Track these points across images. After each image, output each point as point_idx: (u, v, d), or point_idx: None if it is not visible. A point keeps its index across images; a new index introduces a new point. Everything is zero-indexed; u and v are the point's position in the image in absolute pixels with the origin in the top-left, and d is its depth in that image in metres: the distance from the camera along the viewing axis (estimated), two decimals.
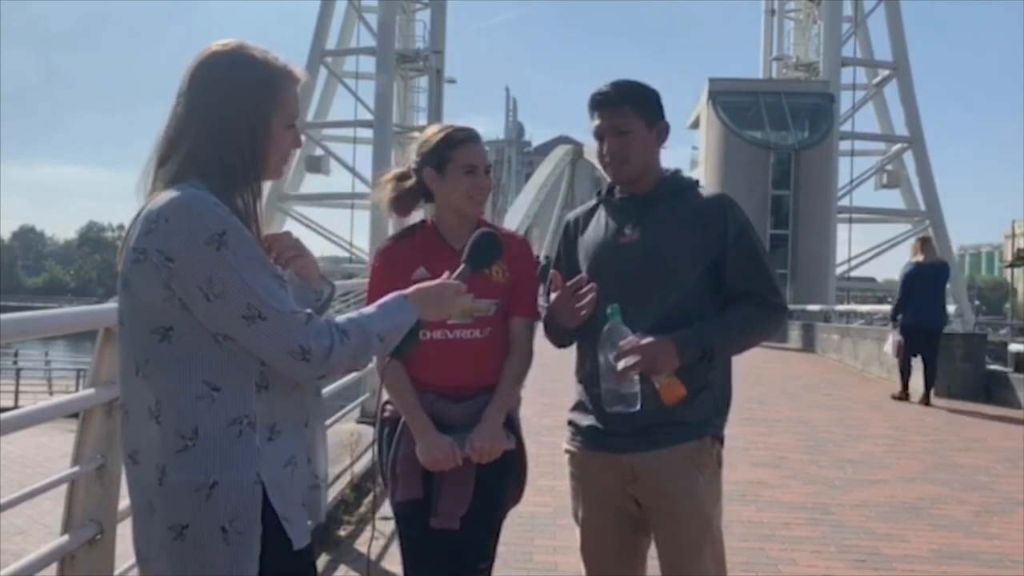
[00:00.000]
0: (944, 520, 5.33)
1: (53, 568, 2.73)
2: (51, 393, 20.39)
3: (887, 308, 12.90)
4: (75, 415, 2.88)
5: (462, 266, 2.13)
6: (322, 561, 4.21)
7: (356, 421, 6.75)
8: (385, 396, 2.60)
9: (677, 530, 2.49)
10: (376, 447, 2.58)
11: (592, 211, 2.65)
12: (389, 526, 2.69)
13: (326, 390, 5.04)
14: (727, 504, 2.64)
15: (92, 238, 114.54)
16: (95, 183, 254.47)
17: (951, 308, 24.07)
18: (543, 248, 39.86)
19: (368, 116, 44.95)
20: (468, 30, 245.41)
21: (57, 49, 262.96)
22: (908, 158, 44.15)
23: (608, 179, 2.62)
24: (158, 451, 1.73)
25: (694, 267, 2.46)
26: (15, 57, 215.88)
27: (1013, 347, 18.27)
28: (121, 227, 1.89)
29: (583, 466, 2.59)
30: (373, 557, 3.75)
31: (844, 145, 43.33)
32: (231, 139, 1.78)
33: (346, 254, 46.09)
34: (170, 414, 1.72)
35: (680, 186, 2.58)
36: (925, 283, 10.19)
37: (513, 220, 45.98)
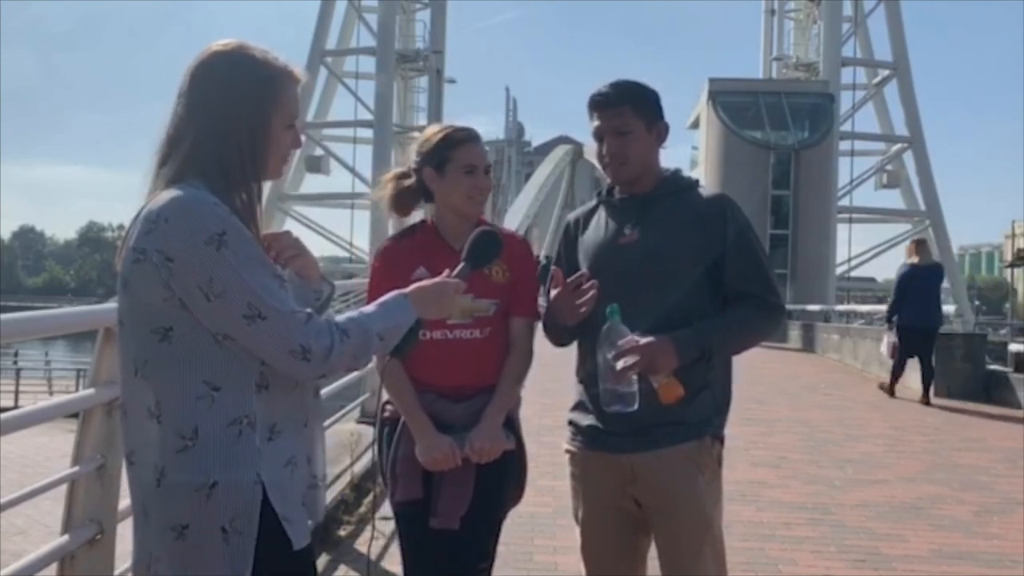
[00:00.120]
0: (944, 520, 5.33)
1: (53, 568, 2.73)
2: (51, 393, 20.39)
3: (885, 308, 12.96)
4: (75, 415, 2.88)
5: (461, 264, 2.13)
6: (322, 561, 4.21)
7: (356, 421, 6.74)
8: (385, 396, 2.60)
9: (677, 530, 2.49)
10: (376, 447, 2.58)
11: (592, 211, 2.65)
12: (389, 526, 2.69)
13: (326, 390, 5.08)
14: (727, 504, 2.64)
15: (92, 238, 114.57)
16: (95, 183, 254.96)
17: (950, 308, 24.13)
18: (543, 248, 39.87)
19: (368, 116, 44.97)
20: (468, 30, 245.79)
21: (57, 49, 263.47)
22: (908, 158, 44.16)
23: (608, 179, 2.62)
24: (157, 451, 1.73)
25: (694, 267, 2.46)
26: (15, 57, 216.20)
27: (1013, 347, 18.27)
28: (121, 227, 1.89)
29: (583, 466, 2.59)
30: (373, 557, 3.75)
31: (844, 145, 43.34)
32: (231, 139, 1.78)
33: (346, 254, 46.11)
34: (170, 414, 1.72)
35: (680, 186, 2.58)
36: (920, 284, 10.33)
37: (513, 220, 45.96)
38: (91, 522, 2.78)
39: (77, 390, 12.17)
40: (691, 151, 46.37)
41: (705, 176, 35.70)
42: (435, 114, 45.32)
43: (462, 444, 2.48)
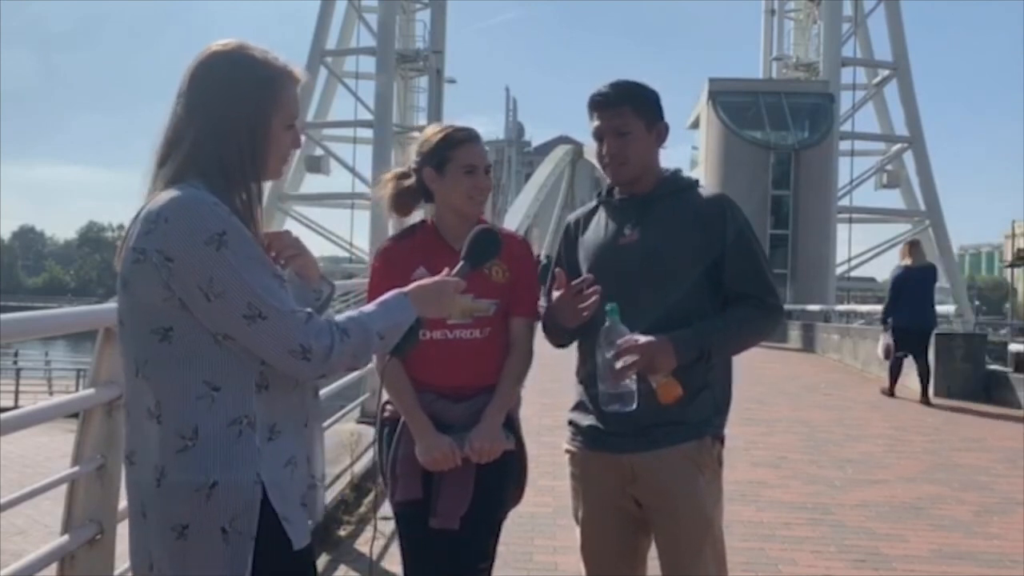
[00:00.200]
0: (944, 520, 5.33)
1: (53, 568, 2.73)
2: (51, 393, 20.40)
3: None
4: (75, 415, 2.88)
5: (461, 263, 2.13)
6: (322, 561, 4.21)
7: (356, 421, 6.74)
8: (385, 396, 2.60)
9: (677, 530, 2.49)
10: (376, 447, 2.58)
11: (592, 212, 2.66)
12: (389, 526, 2.69)
13: (326, 390, 5.08)
14: (727, 504, 2.64)
15: (92, 238, 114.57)
16: (95, 183, 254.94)
17: (950, 308, 24.13)
18: (543, 248, 39.85)
19: (368, 116, 44.95)
20: (468, 30, 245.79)
21: (57, 49, 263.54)
22: (908, 158, 44.15)
23: (608, 180, 2.62)
24: (157, 451, 1.73)
25: (693, 267, 2.46)
26: (15, 57, 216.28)
27: (1013, 347, 18.27)
28: (121, 227, 1.89)
29: (583, 466, 2.59)
30: (374, 557, 3.75)
31: (844, 145, 43.33)
32: (231, 139, 1.78)
33: (346, 254, 46.09)
34: (170, 414, 1.72)
35: (679, 186, 2.58)
36: (914, 286, 10.46)
37: (513, 220, 45.96)
38: (91, 522, 2.78)
39: (77, 390, 12.17)
40: (691, 151, 46.42)
41: (705, 176, 35.70)
42: (435, 114, 45.30)
43: (462, 444, 2.48)
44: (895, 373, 10.65)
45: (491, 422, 2.51)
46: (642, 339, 2.30)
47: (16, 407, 6.28)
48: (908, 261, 10.54)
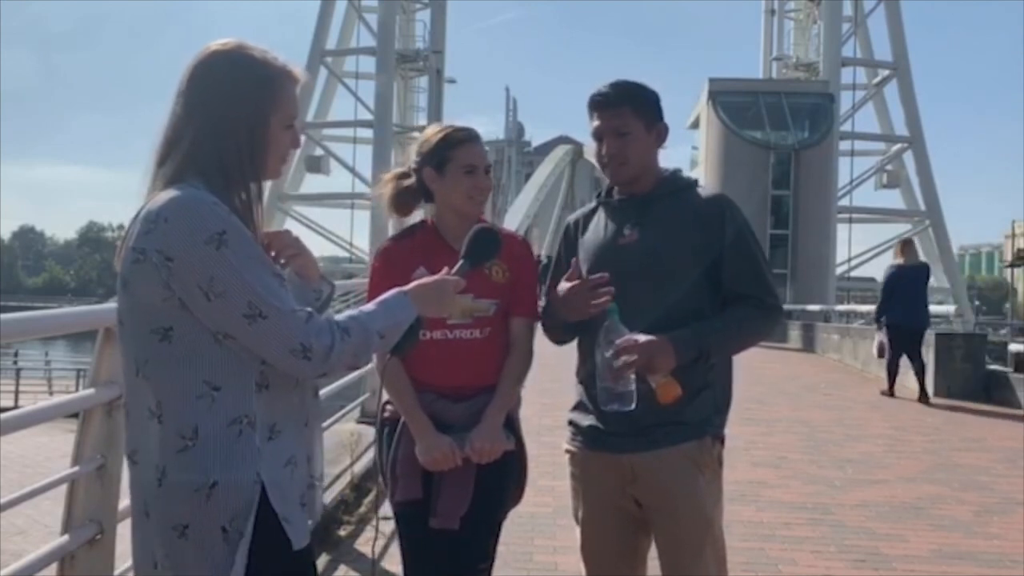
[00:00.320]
0: (944, 520, 5.33)
1: (53, 568, 2.73)
2: (51, 393, 20.40)
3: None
4: (75, 415, 2.88)
5: (460, 261, 2.13)
6: (322, 561, 4.21)
7: (356, 421, 6.74)
8: (385, 396, 2.60)
9: (678, 530, 2.49)
10: (376, 447, 2.57)
11: (592, 213, 2.66)
12: (389, 526, 2.69)
13: (326, 390, 5.07)
14: (727, 504, 2.64)
15: (92, 238, 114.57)
16: (95, 183, 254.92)
17: (951, 309, 24.12)
18: (543, 248, 39.84)
19: (368, 116, 44.96)
20: (468, 30, 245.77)
21: (57, 49, 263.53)
22: (908, 158, 44.15)
23: (607, 180, 2.62)
24: (158, 451, 1.73)
25: (693, 267, 2.46)
26: (15, 57, 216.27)
27: (1013, 347, 18.30)
28: (121, 227, 1.89)
29: (583, 466, 2.59)
30: (374, 557, 3.74)
31: (844, 145, 43.34)
32: (230, 138, 1.78)
33: (346, 254, 46.11)
34: (170, 414, 1.72)
35: (678, 186, 2.58)
36: (907, 285, 10.53)
37: (513, 220, 45.94)
38: (91, 522, 2.78)
39: (77, 390, 12.17)
40: (691, 151, 46.43)
41: (705, 176, 35.72)
42: (435, 114, 45.29)
43: (462, 444, 2.48)
44: (893, 373, 10.71)
45: (492, 422, 2.51)
46: (641, 338, 2.30)
47: (16, 407, 6.28)
48: (901, 260, 10.65)
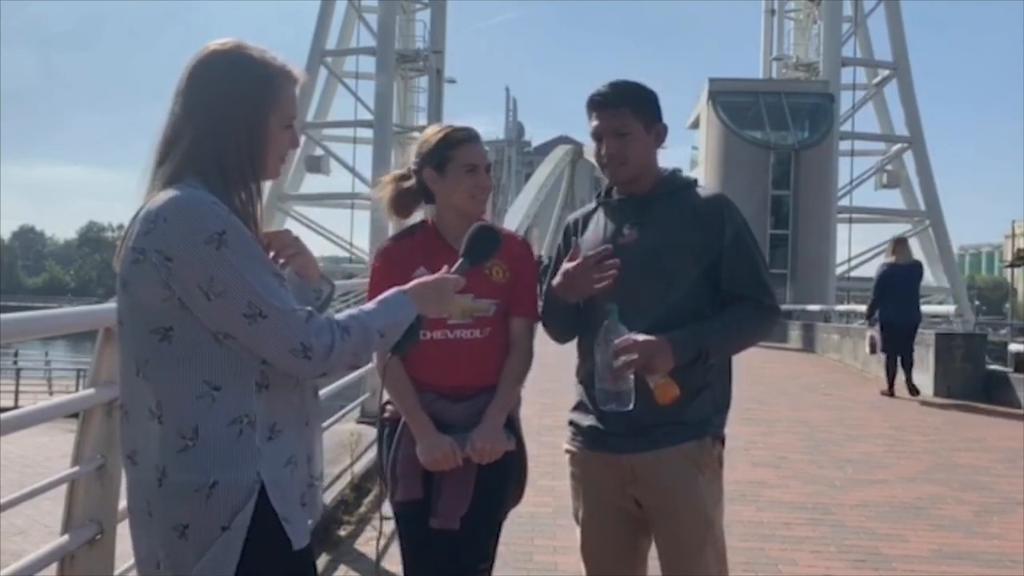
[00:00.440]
0: (944, 520, 5.33)
1: (53, 568, 2.73)
2: (51, 393, 20.40)
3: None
4: (75, 415, 2.88)
5: (460, 260, 2.12)
6: (322, 561, 4.21)
7: (356, 421, 6.74)
8: (385, 396, 2.60)
9: (678, 530, 2.49)
10: (377, 447, 2.57)
11: (592, 213, 2.66)
12: (389, 526, 2.69)
13: (326, 390, 5.07)
14: (727, 504, 2.64)
15: (92, 238, 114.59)
16: (95, 183, 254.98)
17: (951, 309, 24.11)
18: (543, 248, 39.85)
19: (368, 116, 44.92)
20: (468, 30, 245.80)
21: (57, 49, 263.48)
22: (908, 158, 44.12)
23: (607, 180, 2.62)
24: (158, 451, 1.73)
25: (692, 267, 2.46)
26: (15, 57, 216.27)
27: (1013, 347, 18.33)
28: (121, 227, 1.89)
29: (583, 466, 2.59)
30: (375, 557, 3.75)
31: (844, 145, 43.30)
32: (229, 138, 1.78)
33: (346, 254, 46.09)
34: (170, 414, 1.72)
35: (678, 186, 2.58)
36: (899, 283, 10.64)
37: (513, 220, 45.94)
38: (91, 522, 2.78)
39: (77, 390, 12.17)
40: (691, 151, 46.42)
41: (705, 176, 35.70)
42: (435, 114, 45.28)
43: (463, 444, 2.48)
44: (891, 373, 10.76)
45: (492, 422, 2.51)
46: (640, 338, 2.30)
47: (16, 407, 6.28)
48: (894, 258, 10.76)
